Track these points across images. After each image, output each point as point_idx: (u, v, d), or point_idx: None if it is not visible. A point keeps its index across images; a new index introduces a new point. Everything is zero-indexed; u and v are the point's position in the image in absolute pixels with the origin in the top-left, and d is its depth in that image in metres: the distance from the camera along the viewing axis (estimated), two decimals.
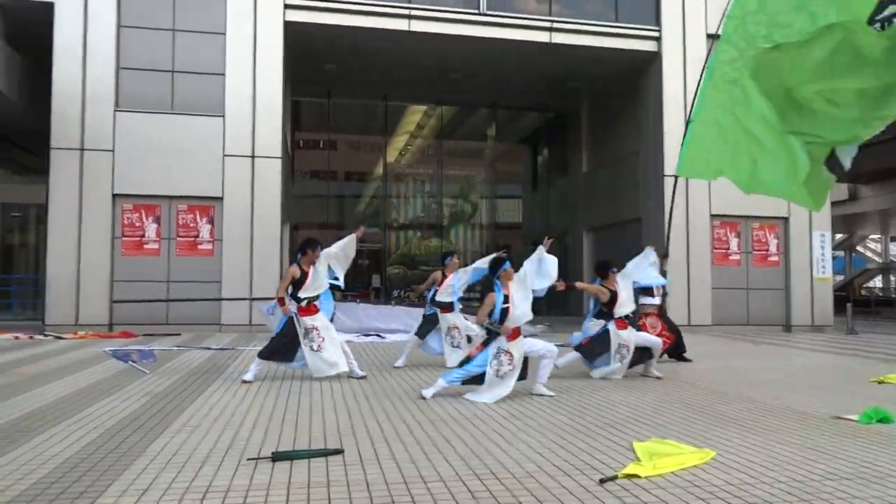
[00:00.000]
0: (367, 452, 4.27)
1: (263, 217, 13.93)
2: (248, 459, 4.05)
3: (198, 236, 13.81)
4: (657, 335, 8.46)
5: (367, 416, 5.38)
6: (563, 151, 21.71)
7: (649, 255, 7.99)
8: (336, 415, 5.45)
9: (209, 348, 10.39)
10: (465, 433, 4.83)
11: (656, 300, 9.07)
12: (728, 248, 15.87)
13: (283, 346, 7.14)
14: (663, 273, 8.66)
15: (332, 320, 7.77)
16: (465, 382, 6.28)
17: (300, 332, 7.10)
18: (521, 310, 6.23)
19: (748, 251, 16.01)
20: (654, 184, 15.54)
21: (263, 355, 7.16)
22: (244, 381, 6.98)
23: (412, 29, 14.74)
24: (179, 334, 12.57)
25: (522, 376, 6.32)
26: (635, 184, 16.60)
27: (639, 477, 3.75)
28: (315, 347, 7.08)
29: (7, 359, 9.01)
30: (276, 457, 4.04)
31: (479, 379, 6.21)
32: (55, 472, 3.80)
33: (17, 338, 11.79)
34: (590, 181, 19.63)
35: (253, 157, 13.90)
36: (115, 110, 13.44)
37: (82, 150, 13.29)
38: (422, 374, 7.89)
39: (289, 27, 14.28)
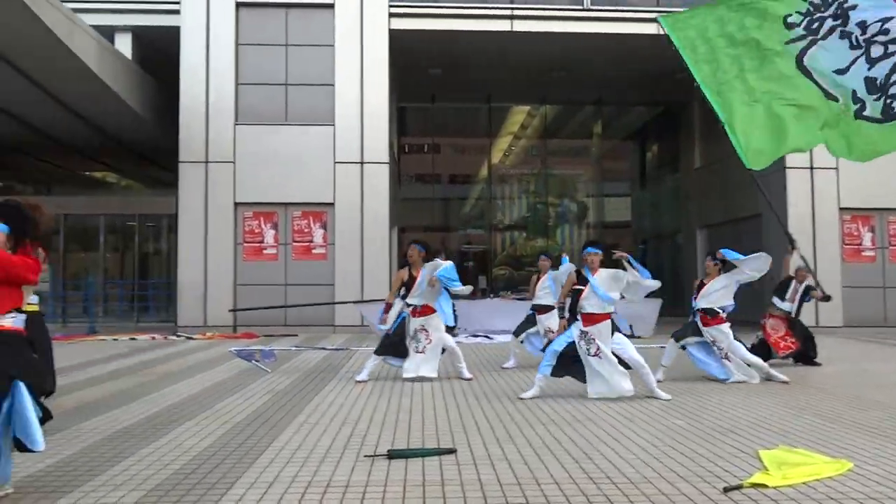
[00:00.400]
0: (479, 452, 4.30)
1: (373, 220, 14.36)
2: (366, 456, 4.18)
3: (312, 241, 14.42)
4: (773, 341, 8.15)
5: (478, 417, 5.41)
6: (674, 147, 20.91)
7: (756, 260, 7.35)
8: (447, 414, 5.52)
9: (324, 349, 10.82)
10: (577, 435, 4.76)
11: (786, 305, 8.50)
12: (860, 244, 14.70)
13: (394, 345, 7.32)
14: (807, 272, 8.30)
15: (455, 325, 7.89)
16: (557, 369, 6.23)
17: (409, 331, 7.26)
18: (592, 300, 6.16)
19: (884, 246, 14.76)
20: (774, 177, 14.64)
21: (379, 352, 7.38)
22: (358, 381, 7.21)
23: (515, 29, 14.72)
24: (297, 335, 13.16)
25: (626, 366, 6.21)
26: (753, 178, 15.66)
27: (766, 487, 3.55)
28: (419, 349, 7.20)
29: (146, 358, 9.79)
30: (392, 454, 4.15)
31: (570, 362, 6.17)
32: (191, 463, 4.09)
33: (154, 338, 12.79)
34: (703, 177, 18.78)
35: (362, 163, 14.36)
36: (234, 124, 14.30)
37: (207, 162, 14.23)
38: (530, 375, 7.84)
39: (394, 35, 14.65)
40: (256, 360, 9.01)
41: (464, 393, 6.58)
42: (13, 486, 3.58)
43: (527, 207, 23.94)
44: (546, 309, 8.35)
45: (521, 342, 8.64)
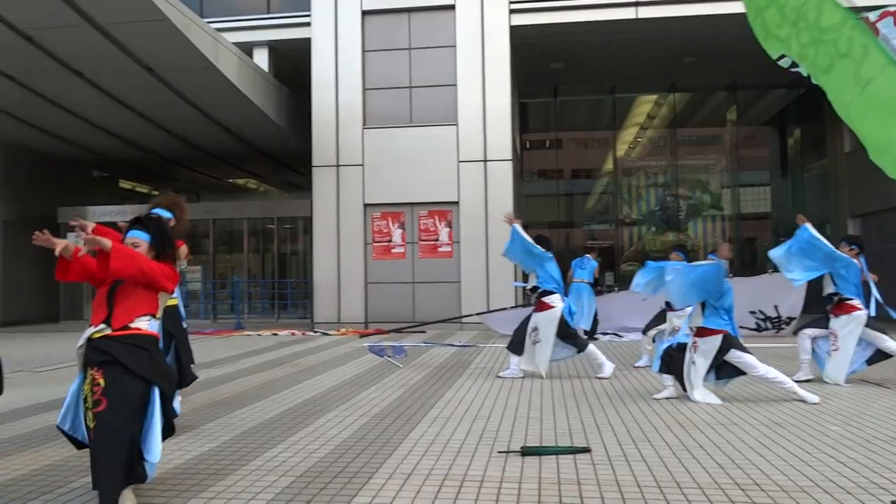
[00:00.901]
0: (614, 452, 4.20)
1: (497, 218, 14.38)
2: (499, 452, 4.20)
3: (437, 239, 14.70)
4: None
5: (611, 416, 5.29)
6: (818, 130, 19.33)
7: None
8: (579, 413, 5.43)
9: (452, 345, 10.99)
10: (721, 439, 4.52)
11: None
12: None
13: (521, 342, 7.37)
14: None
15: (594, 324, 7.76)
16: (664, 367, 6.04)
17: (530, 324, 7.28)
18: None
19: None
20: None
21: (512, 348, 7.41)
22: (499, 377, 7.31)
23: (640, 16, 14.22)
24: (425, 332, 13.47)
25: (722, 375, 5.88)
26: None
27: None
28: (534, 341, 7.22)
29: (288, 352, 10.40)
30: (526, 451, 4.14)
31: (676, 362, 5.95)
32: (334, 452, 4.30)
33: (293, 334, 13.56)
34: (854, 162, 17.23)
35: (485, 161, 14.45)
36: (362, 128, 14.85)
37: (338, 166, 14.89)
38: None
39: (514, 31, 14.62)
40: (388, 356, 9.34)
41: (595, 392, 6.45)
42: (178, 470, 3.92)
43: (655, 200, 23.04)
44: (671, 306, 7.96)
45: (654, 340, 8.32)
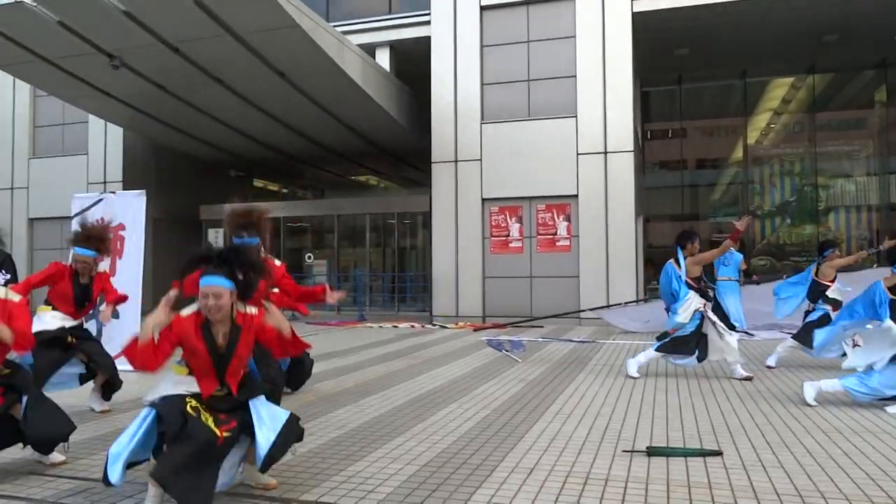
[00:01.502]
0: (748, 457, 3.99)
1: (617, 211, 14.04)
2: (624, 451, 4.11)
3: (556, 233, 14.53)
4: None
5: (743, 419, 5.02)
6: None
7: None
8: (708, 414, 5.20)
9: (571, 340, 10.85)
10: (869, 448, 4.18)
11: None
12: None
13: (685, 343, 6.84)
14: None
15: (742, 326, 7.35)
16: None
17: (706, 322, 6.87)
18: None
19: None
20: None
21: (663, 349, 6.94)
22: (630, 376, 6.95)
23: None
24: (542, 326, 13.37)
25: None
26: None
27: None
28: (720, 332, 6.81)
29: (408, 344, 10.68)
30: (652, 451, 4.03)
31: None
32: (457, 443, 4.38)
33: (413, 326, 13.91)
34: None
35: (605, 153, 14.11)
36: (481, 123, 14.93)
37: (456, 161, 15.07)
38: (798, 375, 7.06)
39: (637, 18, 14.14)
40: (507, 350, 9.38)
41: (725, 392, 6.14)
42: (311, 453, 4.14)
43: (790, 190, 21.54)
44: (836, 304, 7.33)
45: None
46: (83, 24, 11.35)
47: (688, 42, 16.32)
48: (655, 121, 22.60)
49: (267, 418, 3.26)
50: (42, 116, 18.82)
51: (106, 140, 17.78)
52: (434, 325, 14.18)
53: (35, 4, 10.85)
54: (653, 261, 18.58)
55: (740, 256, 11.77)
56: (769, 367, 7.56)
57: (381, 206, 19.39)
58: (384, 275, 18.95)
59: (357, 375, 7.33)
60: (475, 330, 13.03)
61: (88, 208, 12.64)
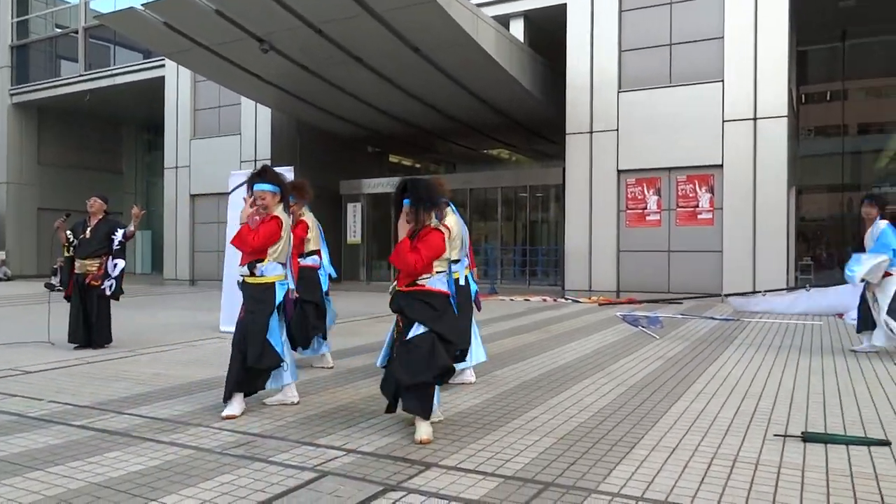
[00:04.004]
0: None
1: (767, 182, 13.09)
2: (775, 435, 3.87)
3: (697, 206, 13.81)
4: None
5: None
6: None
7: None
8: (874, 401, 4.77)
9: (713, 318, 10.32)
10: None
11: None
12: None
13: None
14: None
15: None
16: None
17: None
18: None
19: None
20: None
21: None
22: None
23: None
24: (681, 302, 12.82)
25: None
26: None
27: None
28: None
29: (540, 318, 10.65)
30: (808, 437, 3.76)
31: None
32: (593, 418, 4.32)
33: (545, 300, 13.83)
34: None
35: (755, 119, 13.15)
36: (618, 92, 14.40)
37: (591, 132, 14.66)
38: None
39: None
40: (643, 326, 9.09)
41: (893, 380, 5.60)
42: (450, 421, 4.26)
43: None
44: None
45: None
46: (236, 10, 12.13)
47: None
48: (813, 82, 20.75)
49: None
50: (201, 100, 20.41)
51: (256, 121, 18.99)
52: (567, 299, 14.02)
53: None
54: (805, 236, 17.21)
55: None
56: None
57: (512, 180, 19.33)
58: (516, 248, 18.94)
59: (492, 347, 7.40)
60: (600, 305, 12.74)
61: (242, 184, 13.58)
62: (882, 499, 2.94)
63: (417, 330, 3.87)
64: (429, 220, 3.98)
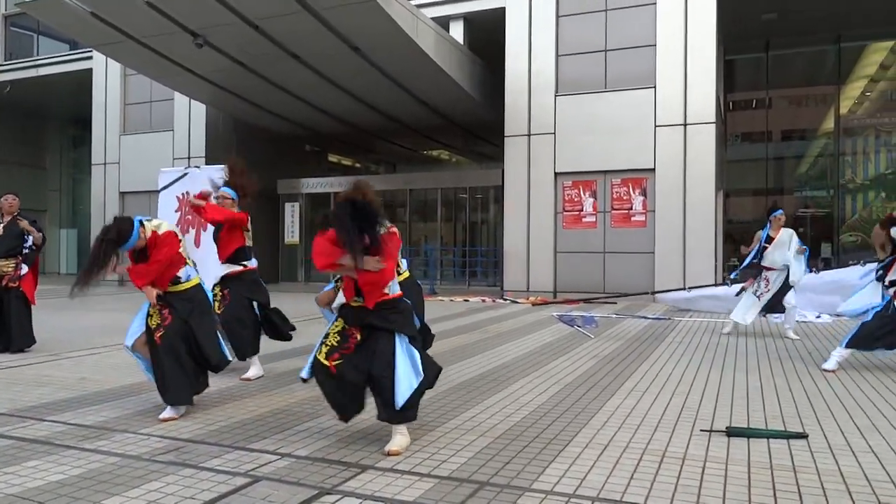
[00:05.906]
0: (836, 441, 3.83)
1: (696, 186, 13.58)
2: (702, 430, 4.02)
3: (631, 208, 14.19)
4: None
5: (830, 402, 4.81)
6: None
7: None
8: (792, 396, 5.01)
9: (645, 317, 10.63)
10: None
11: None
12: None
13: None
14: None
15: None
16: None
17: None
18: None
19: None
20: None
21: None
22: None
23: None
24: (615, 303, 13.15)
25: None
26: None
27: None
28: None
29: (479, 318, 10.73)
30: (732, 432, 3.92)
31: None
32: (529, 417, 4.38)
33: (483, 301, 13.94)
34: None
35: (685, 124, 13.62)
36: (555, 95, 14.66)
37: (529, 135, 14.88)
38: None
39: None
40: (578, 326, 9.28)
41: (811, 374, 5.90)
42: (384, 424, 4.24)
43: (886, 162, 20.25)
44: None
45: None
46: (169, 3, 11.76)
47: (776, 6, 15.48)
48: (739, 90, 21.61)
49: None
50: (131, 94, 19.70)
51: (190, 117, 18.46)
52: (505, 299, 14.17)
53: None
54: (732, 237, 17.91)
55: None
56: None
57: (452, 181, 19.40)
58: (455, 249, 19.02)
59: (430, 349, 7.40)
60: (533, 305, 12.94)
61: (174, 182, 13.20)
62: (799, 489, 3.08)
63: (403, 340, 3.72)
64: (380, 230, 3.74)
